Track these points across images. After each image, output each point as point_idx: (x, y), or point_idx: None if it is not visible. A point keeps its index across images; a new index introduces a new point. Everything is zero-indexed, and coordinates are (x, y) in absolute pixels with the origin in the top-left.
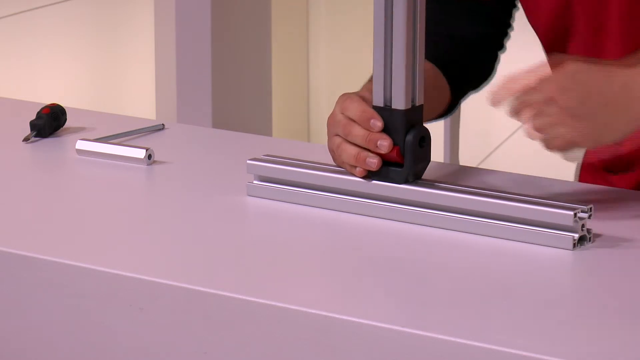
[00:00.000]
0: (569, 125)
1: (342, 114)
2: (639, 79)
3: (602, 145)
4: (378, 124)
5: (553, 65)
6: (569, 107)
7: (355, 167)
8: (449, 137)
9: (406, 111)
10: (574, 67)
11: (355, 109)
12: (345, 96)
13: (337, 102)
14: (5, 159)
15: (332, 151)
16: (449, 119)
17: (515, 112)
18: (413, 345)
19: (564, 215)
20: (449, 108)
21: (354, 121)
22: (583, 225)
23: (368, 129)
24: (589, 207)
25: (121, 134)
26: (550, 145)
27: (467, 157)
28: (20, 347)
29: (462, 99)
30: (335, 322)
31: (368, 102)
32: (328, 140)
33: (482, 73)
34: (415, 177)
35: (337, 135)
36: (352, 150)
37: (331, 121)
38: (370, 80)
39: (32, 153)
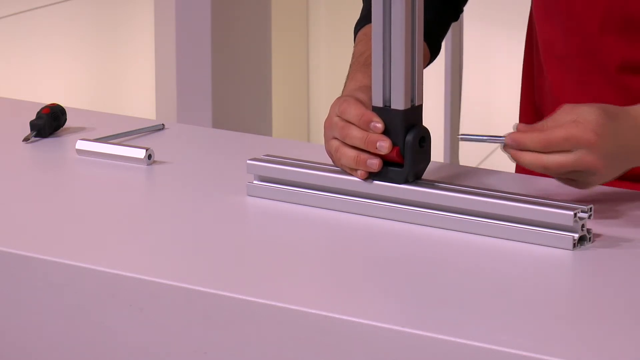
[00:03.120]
0: (588, 183)
1: (339, 116)
2: None
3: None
4: (378, 125)
5: (573, 118)
6: (601, 170)
7: (356, 169)
8: (449, 137)
9: (405, 111)
10: (608, 130)
11: (354, 112)
12: (341, 99)
13: (332, 106)
14: (5, 159)
15: (331, 154)
16: (449, 119)
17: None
18: (413, 345)
19: (564, 215)
20: (433, 54)
21: (351, 123)
22: (583, 225)
23: (366, 131)
24: (589, 207)
25: (121, 134)
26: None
27: (467, 157)
28: (21, 347)
29: (442, 39)
30: (335, 322)
31: (364, 104)
32: (325, 143)
33: (455, 7)
34: (415, 177)
35: (335, 138)
36: (351, 153)
37: (328, 124)
38: (351, 78)
39: (32, 153)
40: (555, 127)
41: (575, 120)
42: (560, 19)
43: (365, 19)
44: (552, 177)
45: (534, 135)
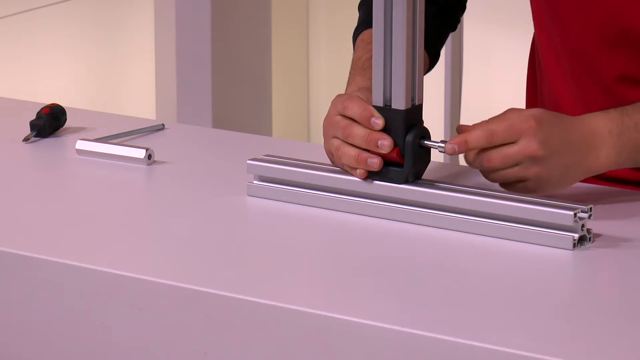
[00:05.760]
0: (534, 178)
1: (342, 114)
2: (597, 138)
3: (553, 192)
4: (379, 122)
5: (517, 117)
6: (543, 160)
7: (356, 168)
8: (449, 137)
9: (406, 111)
10: (549, 119)
11: (356, 107)
12: (343, 96)
13: (332, 103)
14: (5, 159)
15: (330, 153)
16: (449, 119)
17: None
18: (413, 345)
19: (564, 215)
20: (432, 61)
21: (353, 121)
22: (583, 225)
23: (369, 127)
24: (589, 207)
25: (121, 134)
26: (508, 189)
27: None
28: (21, 347)
29: (441, 47)
30: (335, 322)
31: (366, 101)
32: (325, 142)
33: (453, 18)
34: (415, 177)
35: (336, 137)
36: (352, 151)
37: (327, 123)
38: (351, 82)
39: (32, 153)
40: (496, 120)
41: (517, 114)
42: (557, 30)
43: (363, 24)
44: (502, 186)
45: (477, 132)
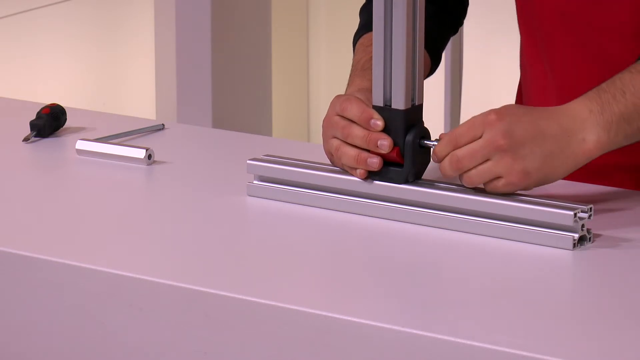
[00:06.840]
0: (509, 171)
1: (340, 115)
2: (577, 122)
3: (542, 184)
4: (379, 123)
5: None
6: (511, 150)
7: (356, 168)
8: None
9: (406, 111)
10: (513, 111)
11: (355, 109)
12: (341, 98)
13: (331, 104)
14: (5, 159)
15: (330, 154)
16: (449, 119)
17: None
18: (413, 345)
19: (564, 215)
20: (433, 65)
21: (352, 122)
22: (583, 225)
23: (368, 129)
24: (589, 207)
25: (121, 134)
26: (492, 190)
27: None
28: (21, 347)
29: (443, 50)
30: (335, 322)
31: (364, 102)
32: (324, 142)
33: (454, 20)
34: (415, 177)
35: (335, 137)
36: (352, 151)
37: (327, 123)
38: (350, 84)
39: (32, 153)
40: (459, 126)
41: (479, 114)
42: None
43: (363, 28)
44: (485, 187)
45: (442, 141)
